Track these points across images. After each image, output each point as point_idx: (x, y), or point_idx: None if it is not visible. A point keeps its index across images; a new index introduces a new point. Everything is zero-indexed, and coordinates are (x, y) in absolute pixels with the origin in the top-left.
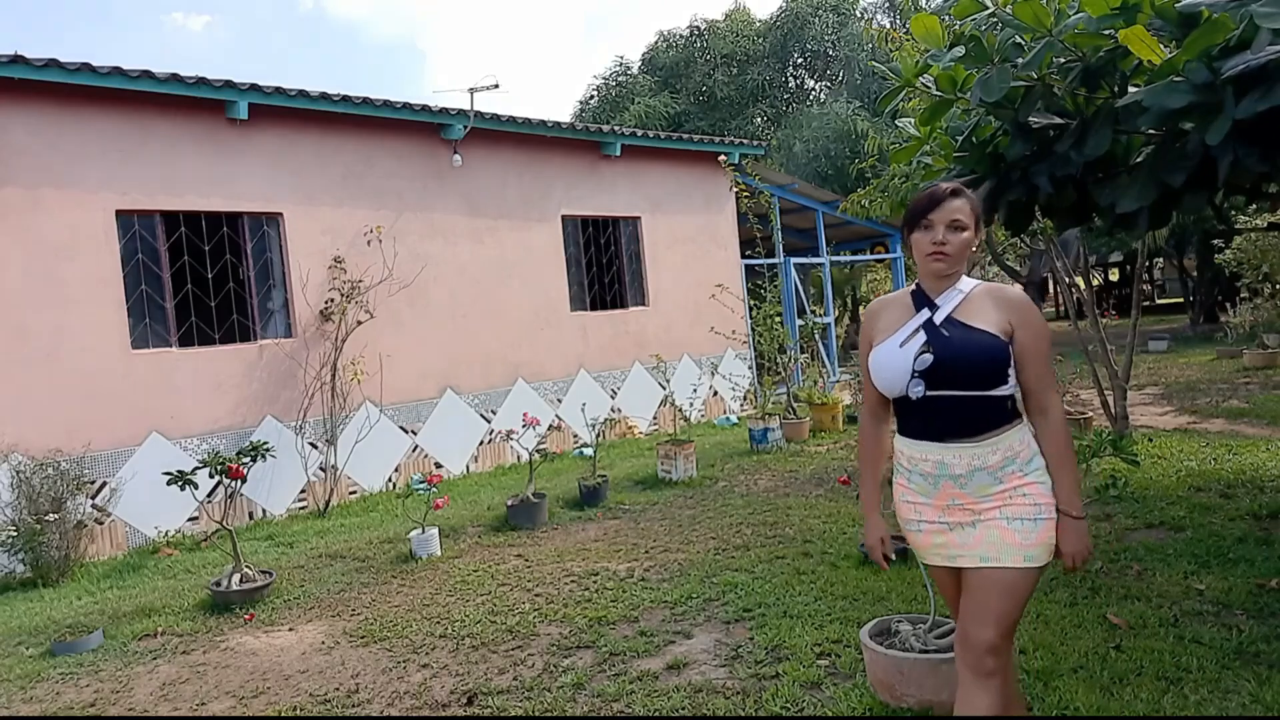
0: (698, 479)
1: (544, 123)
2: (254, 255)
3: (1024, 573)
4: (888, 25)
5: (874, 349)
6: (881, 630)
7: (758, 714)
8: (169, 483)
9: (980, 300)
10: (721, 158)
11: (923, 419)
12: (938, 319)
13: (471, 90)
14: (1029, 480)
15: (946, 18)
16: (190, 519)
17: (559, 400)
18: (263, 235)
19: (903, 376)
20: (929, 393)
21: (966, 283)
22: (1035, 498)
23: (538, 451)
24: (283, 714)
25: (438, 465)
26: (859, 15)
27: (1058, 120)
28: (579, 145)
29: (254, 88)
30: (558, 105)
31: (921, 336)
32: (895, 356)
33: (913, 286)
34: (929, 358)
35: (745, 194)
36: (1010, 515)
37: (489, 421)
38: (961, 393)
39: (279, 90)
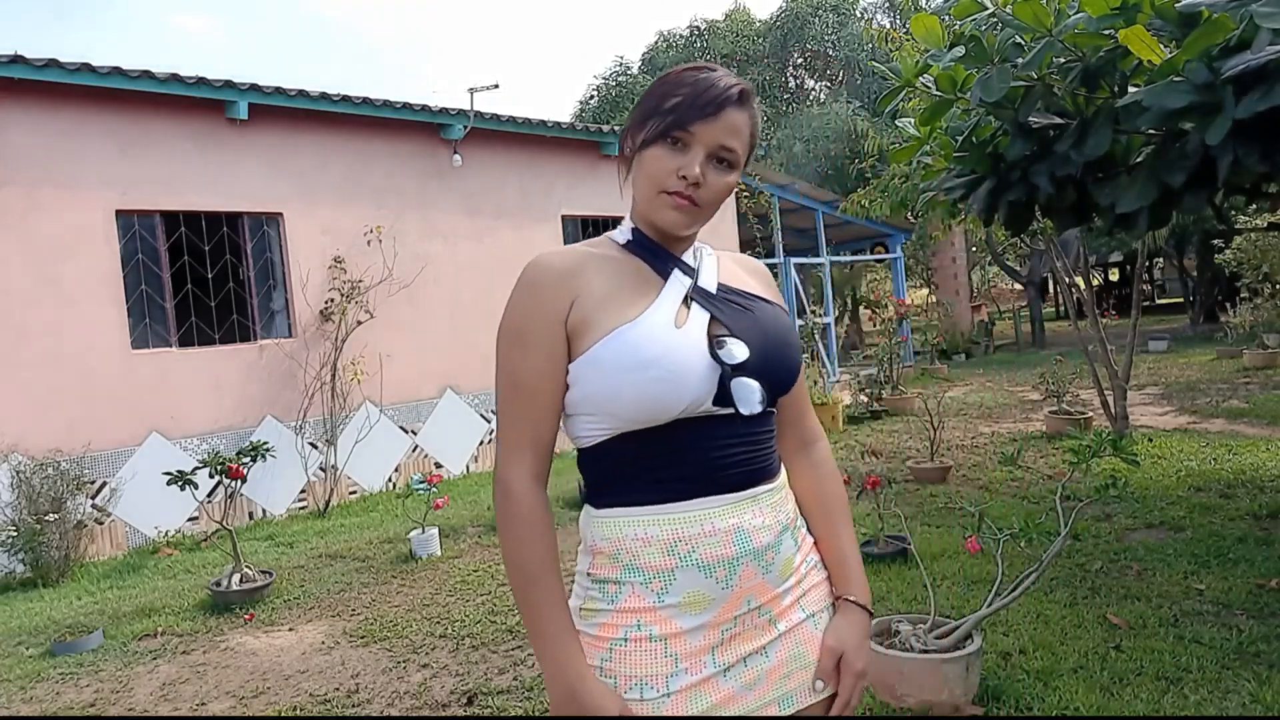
0: None
1: (544, 123)
2: (254, 255)
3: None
4: (888, 25)
5: (612, 332)
6: (881, 630)
7: None
8: (169, 483)
9: (734, 268)
10: None
11: (702, 458)
12: (707, 284)
13: (471, 90)
14: (810, 540)
15: (946, 18)
16: (190, 519)
17: None
18: (263, 235)
19: (704, 377)
20: (713, 409)
21: (704, 244)
22: (823, 569)
23: None
24: (283, 714)
25: (438, 465)
26: (859, 15)
27: (1058, 120)
28: (579, 145)
29: (254, 88)
30: (558, 105)
31: (699, 312)
32: (674, 341)
33: (625, 235)
34: (739, 344)
35: (745, 194)
36: (812, 606)
37: (489, 421)
38: (766, 406)
39: (279, 90)
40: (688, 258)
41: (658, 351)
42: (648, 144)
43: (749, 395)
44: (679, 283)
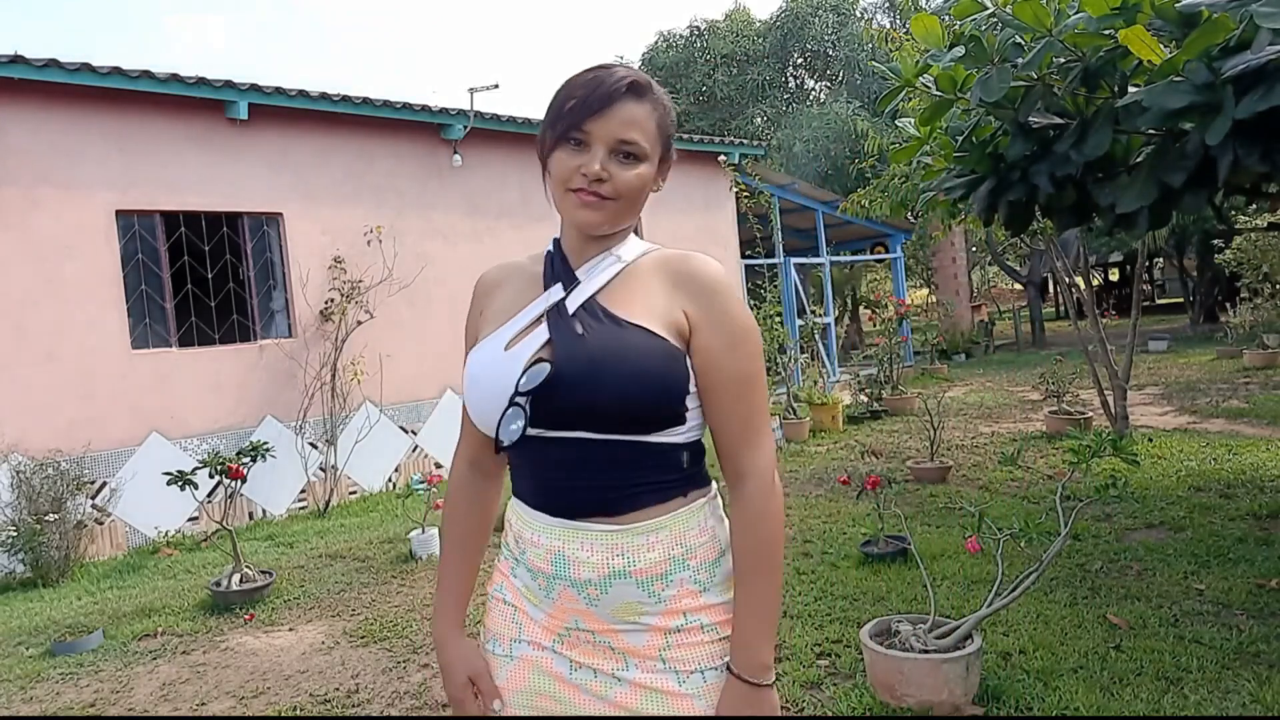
0: None
1: None
2: (254, 255)
3: None
4: (888, 25)
5: (474, 349)
6: (882, 630)
7: None
8: (169, 483)
9: (647, 277)
10: (721, 158)
11: (533, 476)
12: (572, 303)
13: (471, 90)
14: (713, 601)
15: (946, 18)
16: (190, 519)
17: None
18: (263, 235)
19: (497, 400)
20: (533, 432)
21: (633, 246)
22: (723, 630)
23: None
24: (283, 714)
25: (438, 465)
26: (859, 15)
27: (1058, 120)
28: None
29: (254, 88)
30: None
31: (541, 332)
32: (494, 364)
33: (550, 246)
34: (544, 367)
35: (745, 194)
36: (681, 664)
37: None
38: (596, 435)
39: (279, 90)
40: (592, 266)
41: (479, 374)
42: (552, 149)
43: (509, 424)
44: (545, 300)
